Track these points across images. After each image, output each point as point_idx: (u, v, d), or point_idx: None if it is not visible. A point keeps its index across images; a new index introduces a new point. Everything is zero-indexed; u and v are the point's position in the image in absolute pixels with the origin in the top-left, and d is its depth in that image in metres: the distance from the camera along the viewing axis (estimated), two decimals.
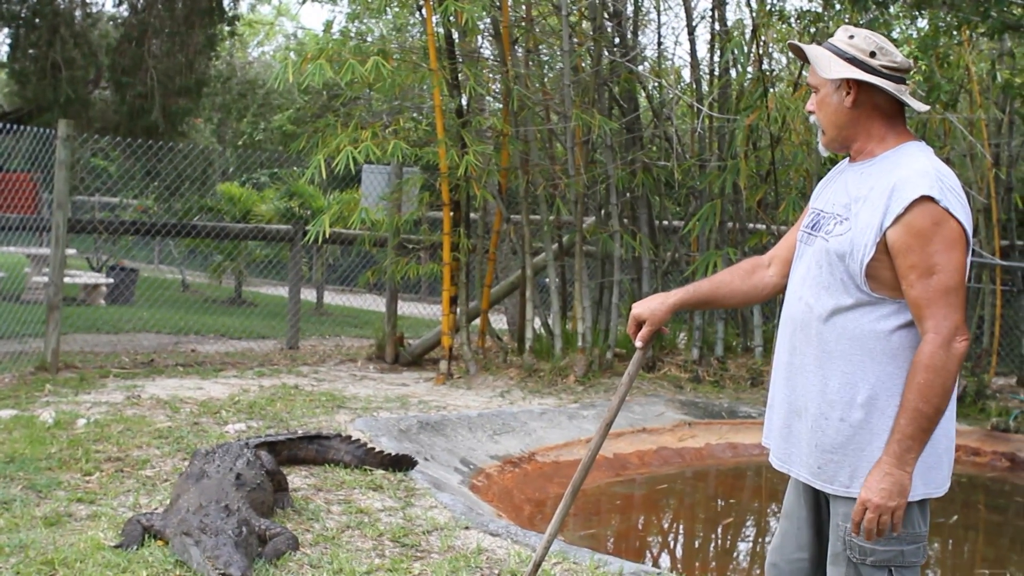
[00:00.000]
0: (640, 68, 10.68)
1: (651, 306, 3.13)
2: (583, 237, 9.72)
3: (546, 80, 10.54)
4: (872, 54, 2.80)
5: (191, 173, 15.31)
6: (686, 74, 12.19)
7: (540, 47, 10.59)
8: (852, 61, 2.80)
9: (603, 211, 10.34)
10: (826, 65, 2.82)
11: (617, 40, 10.33)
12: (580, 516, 6.74)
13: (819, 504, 2.96)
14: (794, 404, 2.88)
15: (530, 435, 7.46)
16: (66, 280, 10.09)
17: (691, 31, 10.62)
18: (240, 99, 27.62)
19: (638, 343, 3.15)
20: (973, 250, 10.17)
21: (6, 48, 21.45)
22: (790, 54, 11.61)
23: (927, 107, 3.00)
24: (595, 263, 10.81)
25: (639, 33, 11.03)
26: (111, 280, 14.51)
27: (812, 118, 2.93)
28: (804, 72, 10.99)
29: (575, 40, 9.84)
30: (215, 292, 16.13)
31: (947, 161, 10.78)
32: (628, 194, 10.27)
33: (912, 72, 8.89)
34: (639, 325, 3.14)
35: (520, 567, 4.52)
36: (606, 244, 9.90)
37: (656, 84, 11.28)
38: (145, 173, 17.68)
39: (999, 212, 10.78)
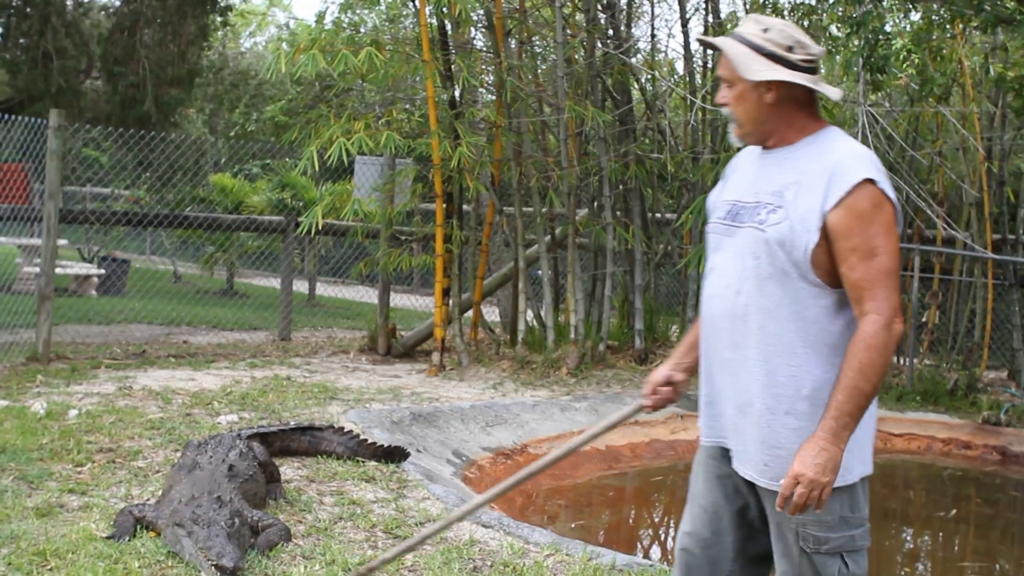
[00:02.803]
0: (633, 60, 10.68)
1: (673, 376, 3.09)
2: (576, 229, 9.72)
3: (539, 72, 10.54)
4: (790, 48, 2.78)
5: (183, 164, 15.28)
6: (679, 66, 12.20)
7: (533, 39, 10.58)
8: (772, 57, 2.77)
9: (596, 203, 10.34)
10: (746, 64, 2.77)
11: (611, 32, 10.32)
12: (572, 508, 6.75)
13: (748, 490, 2.90)
14: (737, 400, 2.82)
15: (522, 427, 7.46)
16: (57, 271, 10.05)
17: (684, 23, 10.61)
18: (232, 89, 27.54)
19: (653, 408, 3.12)
20: (965, 244, 10.24)
21: None
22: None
23: (841, 93, 2.98)
24: (588, 255, 10.81)
25: (632, 25, 11.03)
26: (103, 271, 14.47)
27: (725, 110, 2.88)
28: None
29: (568, 32, 9.83)
30: (207, 283, 16.11)
31: (939, 154, 10.81)
32: (621, 186, 10.27)
33: (906, 65, 8.91)
34: (659, 386, 3.09)
35: (513, 559, 4.53)
36: (599, 236, 9.90)
37: (649, 76, 11.28)
38: (137, 163, 17.62)
39: (991, 206, 10.79)
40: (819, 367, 2.71)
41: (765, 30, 2.80)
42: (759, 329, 2.75)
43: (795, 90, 2.79)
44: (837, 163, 2.69)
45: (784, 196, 2.74)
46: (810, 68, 2.80)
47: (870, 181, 2.67)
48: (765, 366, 2.75)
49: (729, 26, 10.45)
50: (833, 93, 2.88)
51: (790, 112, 2.81)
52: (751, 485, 2.87)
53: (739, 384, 2.81)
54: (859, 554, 2.79)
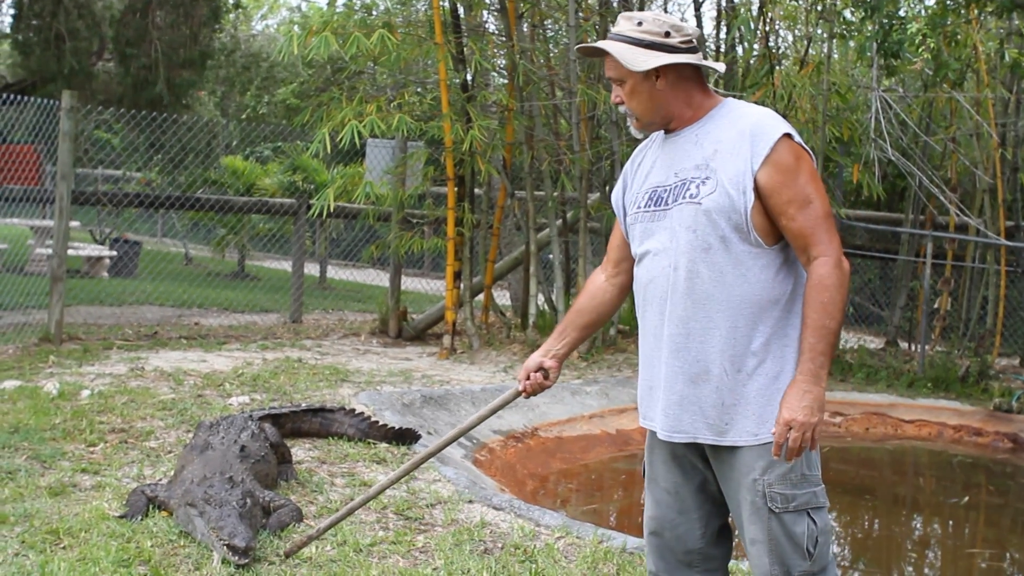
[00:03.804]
0: None
1: (544, 363, 3.21)
2: (587, 213, 9.71)
3: (552, 55, 10.50)
4: (667, 34, 2.86)
5: (195, 146, 15.26)
6: None
7: (546, 22, 10.54)
8: (652, 46, 2.85)
9: (608, 187, 10.31)
10: (632, 58, 2.84)
11: None
12: (583, 491, 6.76)
13: (705, 464, 2.96)
14: (689, 372, 2.86)
15: (533, 410, 7.46)
16: (69, 252, 10.08)
17: (697, 7, 10.56)
18: (244, 72, 27.52)
19: (528, 393, 3.24)
20: (978, 230, 10.20)
21: (9, 19, 21.39)
22: (796, 31, 11.57)
23: (724, 66, 3.09)
24: (599, 239, 10.80)
25: (644, 8, 10.97)
26: (114, 253, 14.51)
27: (622, 108, 2.95)
28: (811, 50, 10.94)
29: (581, 15, 9.80)
30: (218, 266, 16.13)
31: (953, 140, 10.76)
32: None
33: (921, 50, 8.86)
34: (532, 372, 3.20)
35: (524, 541, 4.54)
36: (610, 220, 9.88)
37: None
38: (149, 145, 17.63)
39: (1004, 192, 10.75)
40: (764, 324, 2.81)
41: (639, 23, 2.89)
42: (706, 298, 2.83)
43: (683, 71, 2.90)
44: (754, 124, 2.81)
45: (710, 166, 2.83)
46: (690, 48, 2.89)
47: (787, 136, 2.78)
48: (717, 332, 2.82)
49: (742, 10, 10.39)
50: (718, 66, 3.00)
51: (684, 92, 2.91)
52: (705, 459, 2.94)
53: (690, 356, 2.86)
54: (822, 511, 2.86)
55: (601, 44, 2.90)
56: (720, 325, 2.81)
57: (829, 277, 2.73)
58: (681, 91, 2.90)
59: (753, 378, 2.81)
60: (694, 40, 2.90)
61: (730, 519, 3.04)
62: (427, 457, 3.68)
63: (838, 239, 2.78)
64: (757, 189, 2.76)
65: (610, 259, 3.20)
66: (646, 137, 3.07)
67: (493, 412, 3.41)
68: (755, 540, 2.85)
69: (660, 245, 2.91)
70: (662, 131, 2.99)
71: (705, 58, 2.96)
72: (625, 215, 3.06)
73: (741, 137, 2.79)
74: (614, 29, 2.93)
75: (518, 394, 3.27)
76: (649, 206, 2.95)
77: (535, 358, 3.22)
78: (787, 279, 2.83)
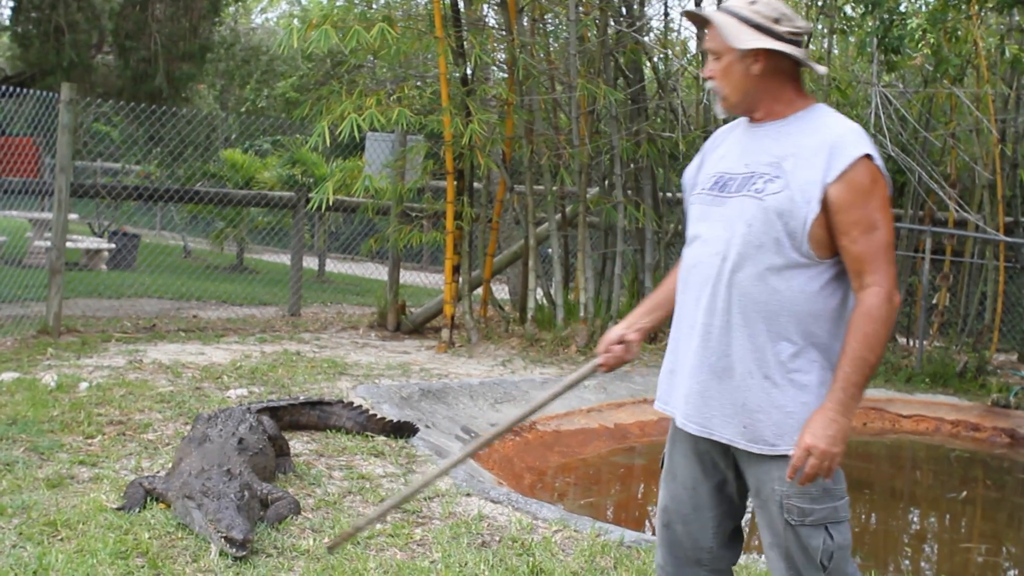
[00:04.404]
0: (646, 39, 10.62)
1: (626, 335, 3.10)
2: (587, 207, 9.71)
3: (551, 49, 10.49)
4: (777, 20, 2.80)
5: (194, 139, 15.27)
6: (692, 45, 12.14)
7: (546, 16, 10.54)
8: (759, 28, 2.79)
9: (607, 182, 10.32)
10: (735, 34, 2.79)
11: (623, 10, 10.27)
12: (581, 485, 6.76)
13: (727, 464, 2.92)
14: (715, 366, 2.82)
15: (530, 404, 7.46)
16: (68, 245, 10.08)
17: (698, 2, 10.55)
18: (243, 65, 27.50)
19: (607, 368, 3.13)
20: (977, 226, 10.20)
21: (9, 11, 21.37)
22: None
23: (825, 69, 3.04)
24: (598, 234, 10.80)
25: (645, 3, 10.96)
26: (113, 245, 14.50)
27: (710, 83, 2.90)
28: (811, 44, 10.93)
29: (581, 9, 9.79)
30: (217, 259, 16.13)
31: (952, 136, 10.76)
32: (632, 165, 10.24)
33: (921, 45, 8.86)
34: (612, 344, 3.11)
35: (521, 534, 4.54)
36: (609, 215, 9.88)
37: (662, 55, 11.23)
38: (148, 138, 17.63)
39: (1004, 188, 10.75)
40: (799, 334, 2.75)
41: (752, 2, 2.82)
42: (744, 295, 2.78)
43: (781, 62, 2.83)
44: (837, 137, 2.73)
45: (782, 167, 2.76)
46: (796, 41, 2.83)
47: (868, 157, 2.71)
48: (746, 330, 2.77)
49: None
50: (820, 69, 2.92)
51: (777, 84, 2.84)
52: (728, 456, 2.90)
53: (716, 349, 2.82)
54: (842, 525, 2.81)
55: (708, 13, 2.85)
56: (753, 326, 2.76)
57: (878, 309, 2.68)
58: (775, 82, 2.84)
59: (779, 387, 2.76)
60: (802, 34, 2.83)
61: (744, 523, 3.02)
62: (495, 436, 3.49)
63: (895, 272, 2.73)
64: (825, 203, 2.69)
65: None
66: (731, 118, 3.00)
67: (569, 387, 3.27)
68: (772, 545, 2.84)
69: (713, 232, 2.86)
70: (746, 119, 2.93)
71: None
72: (691, 193, 3.01)
73: (821, 147, 2.72)
74: (726, 3, 2.88)
75: (596, 368, 3.17)
76: (712, 190, 2.91)
77: (616, 330, 3.13)
78: (832, 296, 2.77)
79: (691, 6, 11.02)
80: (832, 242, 2.73)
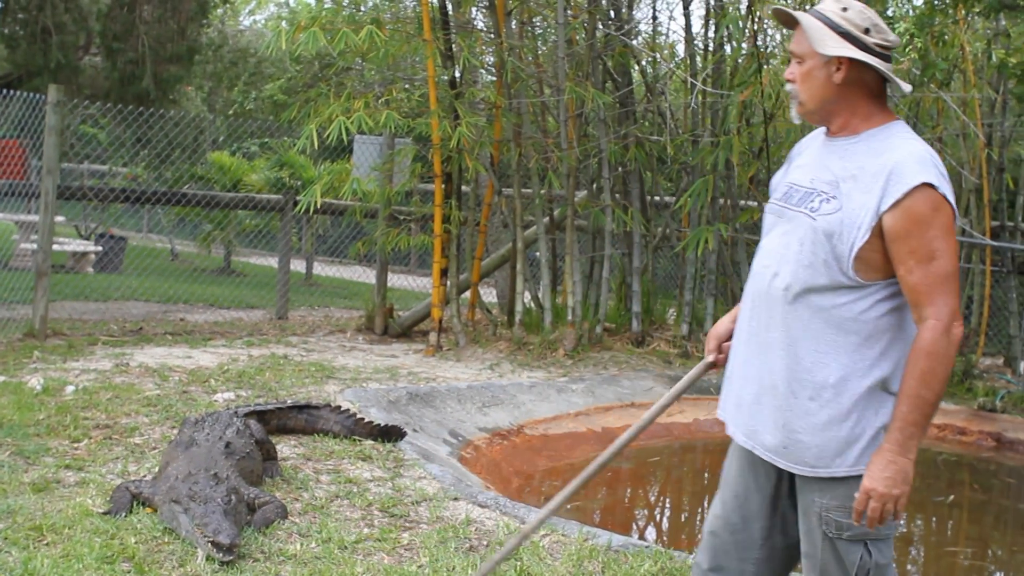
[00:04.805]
0: (634, 42, 10.63)
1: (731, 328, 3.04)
2: (575, 211, 9.71)
3: (540, 52, 10.50)
4: (867, 31, 2.73)
5: (181, 141, 15.23)
6: (680, 49, 12.15)
7: (535, 19, 10.54)
8: (846, 36, 2.72)
9: (595, 185, 10.32)
10: (820, 39, 2.73)
11: (612, 13, 10.28)
12: None
13: (778, 477, 2.89)
14: (761, 380, 2.82)
15: (519, 408, 7.47)
16: (55, 247, 10.03)
17: (686, 5, 10.56)
18: (231, 67, 27.44)
19: (719, 367, 3.06)
20: (963, 230, 10.23)
21: None
22: (785, 30, 11.58)
23: (910, 87, 2.89)
24: (586, 237, 10.80)
25: (634, 7, 10.98)
26: (100, 248, 14.45)
27: (790, 86, 2.85)
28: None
29: (569, 12, 9.80)
30: (204, 261, 16.08)
31: (939, 140, 10.79)
32: (620, 168, 10.25)
33: (908, 50, 8.90)
34: (724, 342, 3.06)
35: (509, 538, 4.53)
36: (597, 218, 9.88)
37: (650, 58, 11.25)
38: (135, 140, 17.56)
39: (990, 192, 10.78)
40: (847, 356, 2.70)
41: (844, 9, 2.77)
42: (789, 313, 2.75)
43: (865, 74, 2.76)
44: (897, 163, 2.65)
45: (840, 188, 2.71)
46: (884, 55, 2.75)
47: (929, 185, 2.62)
48: (791, 349, 2.74)
49: (731, 9, 10.40)
50: (904, 86, 2.81)
51: (856, 96, 2.77)
52: (780, 474, 2.87)
53: (765, 364, 2.81)
54: (884, 543, 2.77)
55: (797, 14, 2.79)
56: (798, 345, 2.73)
57: (935, 344, 2.60)
58: (854, 94, 2.77)
59: (822, 409, 2.72)
60: (891, 48, 2.77)
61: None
62: (610, 457, 3.39)
63: (955, 303, 2.64)
64: (881, 230, 2.63)
65: None
66: (807, 124, 2.95)
67: (686, 388, 3.17)
68: (808, 555, 2.82)
69: (771, 245, 2.85)
70: (824, 130, 2.88)
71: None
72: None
73: (880, 172, 2.65)
74: (817, 6, 2.82)
75: (710, 367, 3.11)
76: (781, 200, 2.88)
77: (725, 325, 3.08)
78: (883, 318, 2.71)
79: (679, 11, 11.01)
80: (886, 265, 2.67)
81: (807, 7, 2.75)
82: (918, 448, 2.68)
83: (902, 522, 2.86)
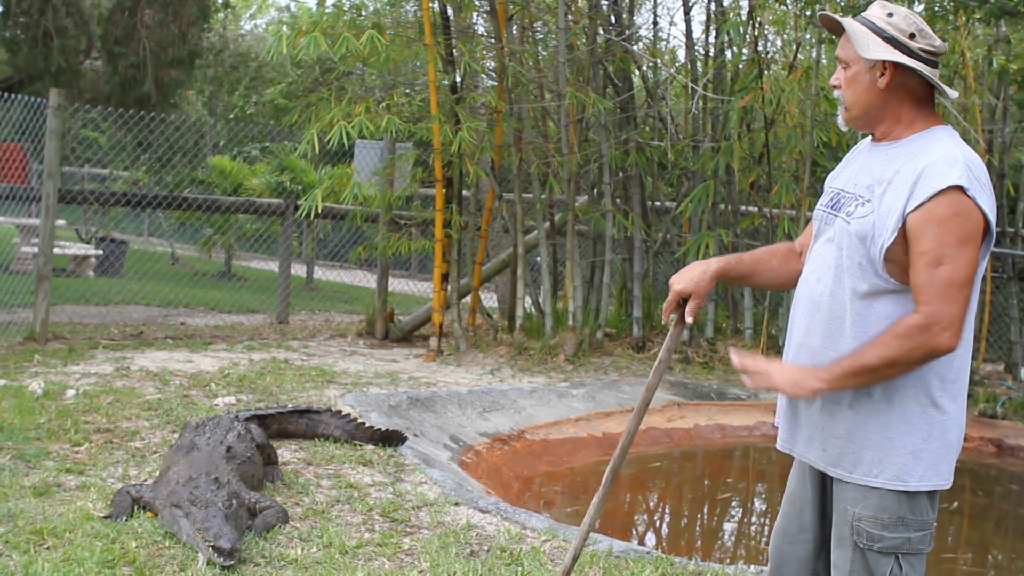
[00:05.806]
0: (635, 47, 10.64)
1: (693, 278, 2.95)
2: (575, 216, 9.71)
3: (541, 58, 10.50)
4: (912, 36, 2.72)
5: (182, 145, 15.24)
6: (681, 54, 12.17)
7: (535, 24, 10.55)
8: (891, 41, 2.71)
9: (596, 190, 10.32)
10: (865, 43, 2.72)
11: (613, 19, 10.29)
12: (568, 494, 6.76)
13: (824, 486, 2.90)
14: None
15: (519, 413, 7.47)
16: (55, 251, 10.04)
17: (687, 11, 10.58)
18: (232, 72, 27.47)
19: (688, 318, 2.97)
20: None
21: None
22: (785, 35, 11.60)
23: (957, 94, 2.88)
24: (587, 242, 10.80)
25: (635, 12, 11.00)
26: (100, 252, 14.45)
27: (836, 92, 2.84)
28: (800, 55, 10.97)
29: (570, 18, 9.81)
30: (205, 266, 16.07)
31: None
32: (621, 174, 10.25)
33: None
34: (681, 300, 2.97)
35: (510, 544, 4.53)
36: (598, 223, 9.89)
37: (651, 64, 11.26)
38: (136, 145, 17.57)
39: None
40: None
41: (889, 15, 2.76)
42: (830, 318, 2.77)
43: (910, 79, 2.75)
44: (927, 166, 2.63)
45: (875, 191, 2.71)
46: (930, 60, 2.74)
47: (958, 188, 2.59)
48: (833, 355, 2.74)
49: (732, 15, 10.41)
50: (950, 92, 2.80)
51: (901, 102, 2.76)
52: (824, 477, 2.87)
53: None
54: (916, 557, 2.76)
55: (842, 19, 2.79)
56: (836, 349, 2.74)
57: (909, 330, 2.60)
58: (899, 99, 2.76)
59: (859, 415, 2.72)
60: (937, 54, 2.75)
61: None
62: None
63: (956, 311, 2.60)
64: (905, 232, 2.63)
65: (800, 241, 3.12)
66: (854, 130, 2.93)
67: (669, 356, 3.09)
68: (836, 565, 2.81)
69: (817, 251, 2.86)
70: (871, 135, 2.88)
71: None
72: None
73: (912, 174, 2.64)
74: (864, 12, 2.81)
75: (681, 323, 3.03)
76: (827, 206, 2.88)
77: (685, 276, 3.00)
78: None
79: (680, 16, 11.01)
80: None
81: (851, 15, 2.70)
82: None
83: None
